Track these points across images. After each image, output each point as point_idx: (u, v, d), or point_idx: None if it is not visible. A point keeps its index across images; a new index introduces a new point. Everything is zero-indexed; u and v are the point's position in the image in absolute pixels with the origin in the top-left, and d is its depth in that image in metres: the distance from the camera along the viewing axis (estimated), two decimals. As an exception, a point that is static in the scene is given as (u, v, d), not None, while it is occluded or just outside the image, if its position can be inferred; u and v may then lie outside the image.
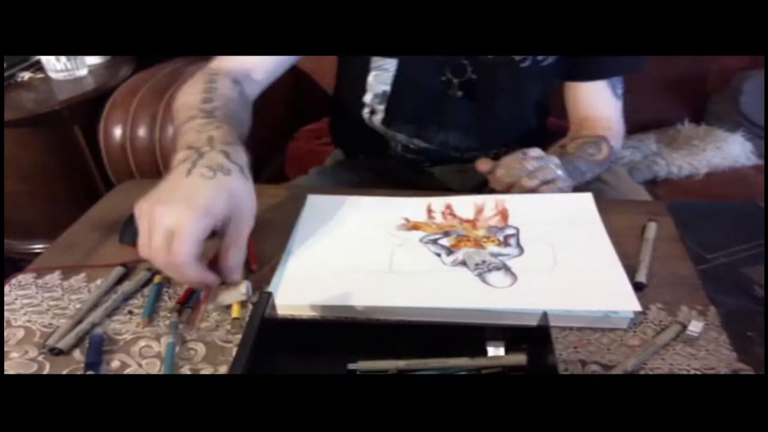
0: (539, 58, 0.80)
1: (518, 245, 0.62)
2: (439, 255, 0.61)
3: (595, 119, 0.85)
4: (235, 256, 0.54)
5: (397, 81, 0.82)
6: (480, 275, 0.58)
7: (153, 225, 0.51)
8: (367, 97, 0.84)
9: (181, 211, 0.50)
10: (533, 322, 0.48)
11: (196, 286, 0.56)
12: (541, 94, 0.91)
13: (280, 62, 0.78)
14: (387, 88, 0.83)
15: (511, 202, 0.69)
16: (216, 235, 0.55)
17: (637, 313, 0.54)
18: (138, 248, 0.52)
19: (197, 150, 0.55)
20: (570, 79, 0.87)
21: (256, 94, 0.76)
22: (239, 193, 0.54)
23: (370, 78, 0.83)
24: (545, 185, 0.69)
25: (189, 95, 0.67)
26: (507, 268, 0.59)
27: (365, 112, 0.86)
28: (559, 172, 0.70)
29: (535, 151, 0.71)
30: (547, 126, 0.99)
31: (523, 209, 0.68)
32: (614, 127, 0.86)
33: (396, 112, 0.85)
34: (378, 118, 0.86)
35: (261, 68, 0.76)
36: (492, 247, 0.62)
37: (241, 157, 0.57)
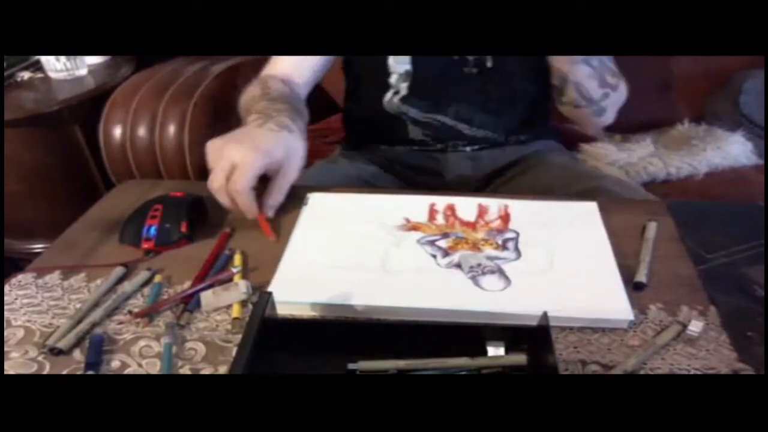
0: None
1: (516, 249, 0.62)
2: (434, 256, 0.61)
3: None
4: (276, 197, 0.67)
5: (416, 59, 0.85)
6: (473, 278, 0.58)
7: (221, 158, 0.63)
8: (393, 78, 0.87)
9: (246, 151, 0.63)
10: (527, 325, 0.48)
11: (242, 210, 0.65)
12: (547, 82, 0.91)
13: (317, 66, 0.87)
14: (408, 67, 0.86)
15: (515, 206, 0.69)
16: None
17: (636, 313, 0.54)
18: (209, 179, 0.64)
19: (267, 114, 0.70)
20: None
21: (304, 93, 0.86)
22: (295, 149, 0.68)
23: (391, 60, 0.86)
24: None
25: (249, 93, 0.80)
26: (501, 272, 0.59)
27: (389, 93, 0.88)
28: None
29: None
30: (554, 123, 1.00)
31: (525, 214, 0.68)
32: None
33: (416, 89, 0.88)
34: (399, 96, 0.89)
35: (301, 73, 0.85)
36: (489, 251, 0.62)
37: (302, 125, 0.72)
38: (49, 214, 1.22)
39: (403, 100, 0.88)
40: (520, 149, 0.92)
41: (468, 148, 0.91)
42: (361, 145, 0.98)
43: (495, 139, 0.91)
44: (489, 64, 0.84)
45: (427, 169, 0.92)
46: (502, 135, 0.91)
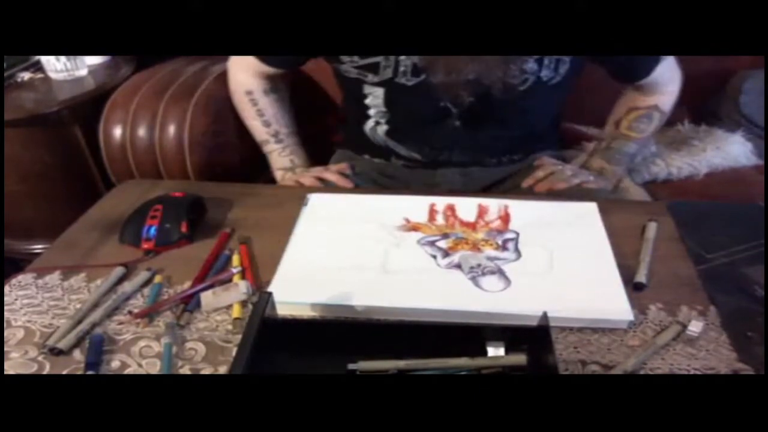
0: (544, 78, 0.78)
1: (516, 249, 0.62)
2: (435, 257, 0.61)
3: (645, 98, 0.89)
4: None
5: (390, 106, 0.83)
6: (473, 279, 0.58)
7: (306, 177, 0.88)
8: (372, 111, 0.86)
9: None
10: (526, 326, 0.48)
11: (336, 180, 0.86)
12: (551, 108, 0.90)
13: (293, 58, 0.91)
14: (383, 108, 0.84)
15: (515, 206, 0.69)
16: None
17: (636, 314, 0.54)
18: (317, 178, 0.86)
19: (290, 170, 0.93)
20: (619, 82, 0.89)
21: (287, 81, 0.94)
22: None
23: (368, 100, 0.84)
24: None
25: (248, 119, 0.94)
26: (501, 272, 0.58)
27: (370, 122, 0.87)
28: (591, 177, 0.84)
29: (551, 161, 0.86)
30: (560, 131, 0.99)
31: (525, 214, 0.68)
32: (668, 87, 0.88)
33: (399, 127, 0.86)
34: (383, 129, 0.87)
35: (281, 67, 0.90)
36: (489, 251, 0.62)
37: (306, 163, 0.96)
38: (49, 214, 1.21)
39: (388, 134, 0.87)
40: (515, 166, 0.91)
41: (460, 168, 0.90)
42: (354, 154, 0.98)
43: (488, 161, 0.89)
44: (474, 108, 0.80)
45: (418, 180, 0.92)
46: (495, 159, 0.89)
